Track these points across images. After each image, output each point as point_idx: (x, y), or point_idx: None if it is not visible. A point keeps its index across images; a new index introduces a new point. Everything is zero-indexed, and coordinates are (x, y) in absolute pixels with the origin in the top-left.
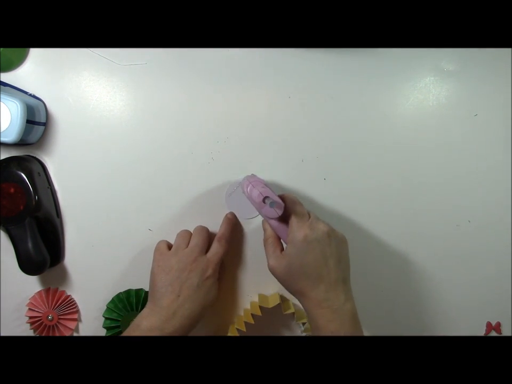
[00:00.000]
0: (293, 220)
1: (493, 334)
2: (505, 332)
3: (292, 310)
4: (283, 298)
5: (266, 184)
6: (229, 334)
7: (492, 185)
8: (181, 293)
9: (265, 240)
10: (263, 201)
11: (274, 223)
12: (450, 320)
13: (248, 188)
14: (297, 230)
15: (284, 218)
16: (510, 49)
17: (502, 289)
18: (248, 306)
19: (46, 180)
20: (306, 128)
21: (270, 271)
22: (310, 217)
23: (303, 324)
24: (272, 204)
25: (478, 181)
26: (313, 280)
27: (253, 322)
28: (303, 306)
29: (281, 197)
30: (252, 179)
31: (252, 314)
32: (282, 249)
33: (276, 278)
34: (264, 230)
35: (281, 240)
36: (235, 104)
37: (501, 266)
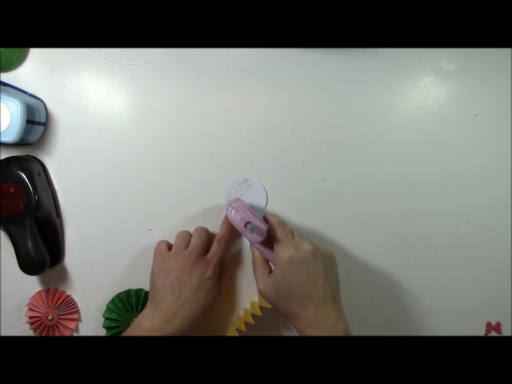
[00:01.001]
0: (277, 242)
1: (493, 334)
2: (505, 332)
3: None
4: None
5: (250, 209)
6: (229, 334)
7: (492, 185)
8: (181, 294)
9: (253, 263)
10: (245, 226)
11: (260, 246)
12: (450, 320)
13: (232, 213)
14: (282, 251)
15: (269, 240)
16: (510, 49)
17: (502, 289)
18: (248, 306)
19: (46, 180)
20: (306, 128)
21: (260, 293)
22: (294, 237)
23: None
24: (253, 229)
25: (478, 181)
26: (302, 300)
27: (253, 322)
28: (295, 328)
29: (265, 218)
30: (235, 204)
31: (251, 314)
32: (270, 271)
33: (266, 300)
34: (252, 253)
35: (270, 263)
36: (235, 104)
37: (501, 266)
